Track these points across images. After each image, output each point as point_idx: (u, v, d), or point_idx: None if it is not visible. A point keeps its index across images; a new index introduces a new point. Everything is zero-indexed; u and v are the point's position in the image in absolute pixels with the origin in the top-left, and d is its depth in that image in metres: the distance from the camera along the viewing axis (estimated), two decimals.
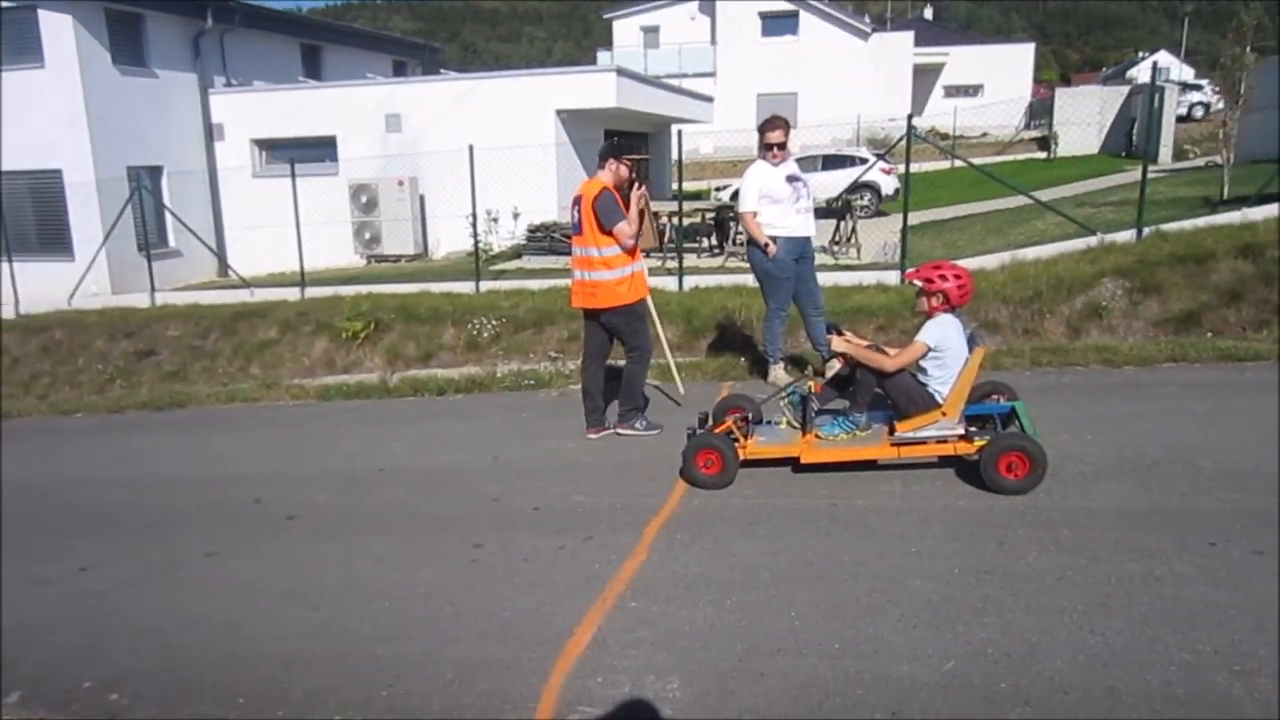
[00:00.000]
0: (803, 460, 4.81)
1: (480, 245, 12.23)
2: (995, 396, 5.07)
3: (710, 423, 5.22)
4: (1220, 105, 16.54)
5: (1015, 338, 7.82)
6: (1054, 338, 7.77)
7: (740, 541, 4.21)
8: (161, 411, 8.92)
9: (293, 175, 12.52)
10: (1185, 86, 31.91)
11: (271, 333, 10.86)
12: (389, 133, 16.91)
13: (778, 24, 36.91)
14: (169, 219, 16.23)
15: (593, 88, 16.24)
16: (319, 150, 17.24)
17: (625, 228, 5.72)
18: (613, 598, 3.78)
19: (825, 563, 3.91)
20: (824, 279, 9.53)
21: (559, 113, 16.21)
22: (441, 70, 26.48)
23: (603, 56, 38.03)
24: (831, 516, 4.39)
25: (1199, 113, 30.19)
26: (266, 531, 5.09)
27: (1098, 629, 3.21)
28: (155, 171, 16.62)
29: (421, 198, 16.64)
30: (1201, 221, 9.52)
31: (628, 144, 6.08)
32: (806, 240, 6.53)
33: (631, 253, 5.88)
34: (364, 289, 11.62)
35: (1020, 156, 28.75)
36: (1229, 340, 6.98)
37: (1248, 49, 12.86)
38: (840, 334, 4.95)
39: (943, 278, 4.60)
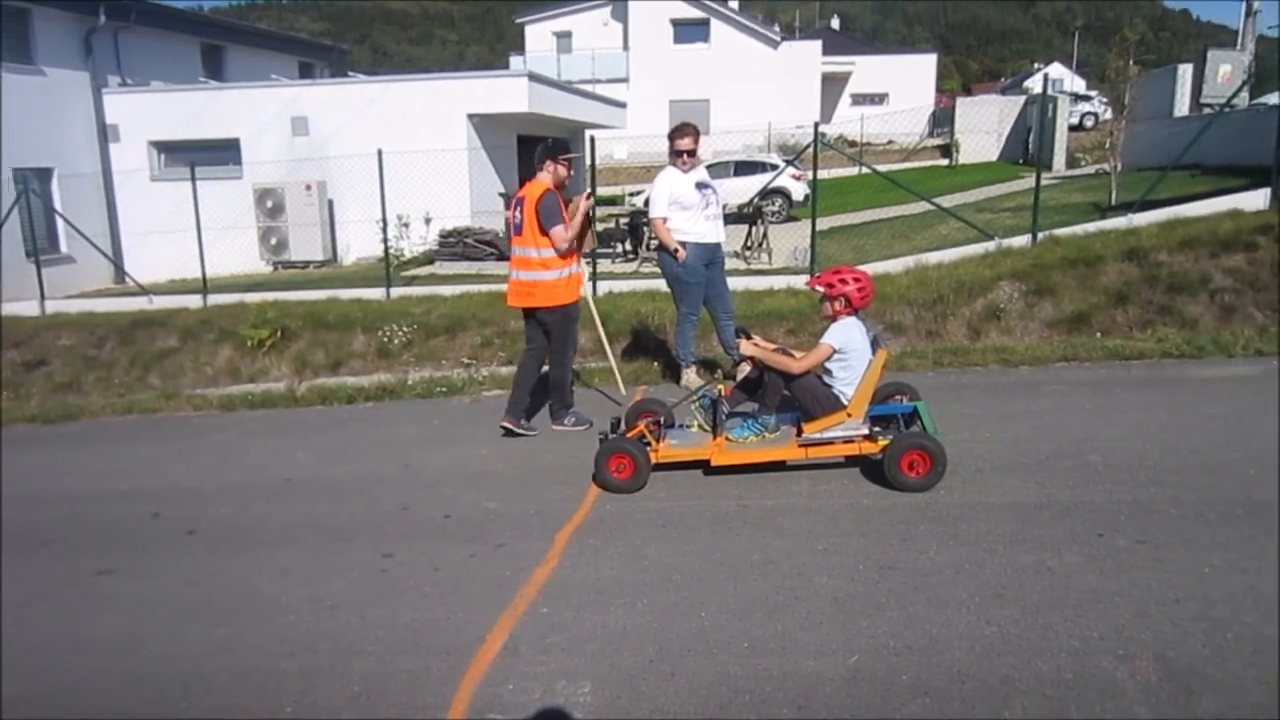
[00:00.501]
0: (714, 462, 4.88)
1: (391, 251, 12.03)
2: (898, 397, 5.22)
3: (623, 427, 5.24)
4: (1109, 115, 17.41)
5: (919, 339, 8.07)
6: (955, 339, 8.04)
7: (652, 544, 4.24)
8: (52, 424, 8.50)
9: (193, 179, 12.11)
10: (1077, 97, 33.46)
11: (172, 341, 10.47)
12: (295, 136, 16.49)
13: (689, 31, 37.38)
14: (60, 223, 15.49)
15: (505, 92, 16.15)
16: (221, 153, 16.70)
17: (561, 231, 5.82)
18: (524, 604, 3.76)
19: (735, 563, 3.97)
20: (736, 283, 9.68)
21: (471, 117, 16.08)
22: (350, 72, 25.98)
23: (515, 61, 37.87)
24: (742, 517, 4.46)
25: (1090, 122, 31.67)
26: (165, 547, 4.90)
27: (993, 619, 3.34)
28: (44, 174, 15.86)
29: (330, 202, 16.28)
30: (1091, 226, 9.98)
31: (562, 144, 6.15)
32: (716, 246, 6.63)
33: (569, 255, 5.95)
34: (270, 296, 11.29)
35: (924, 163, 29.67)
36: (1116, 340, 7.35)
37: (1131, 62, 13.59)
38: (749, 338, 5.04)
39: (843, 282, 4.73)
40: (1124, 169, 14.29)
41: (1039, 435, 5.25)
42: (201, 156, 15.33)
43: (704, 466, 4.99)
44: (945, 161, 29.54)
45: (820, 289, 4.82)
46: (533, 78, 16.52)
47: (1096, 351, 6.97)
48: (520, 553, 4.28)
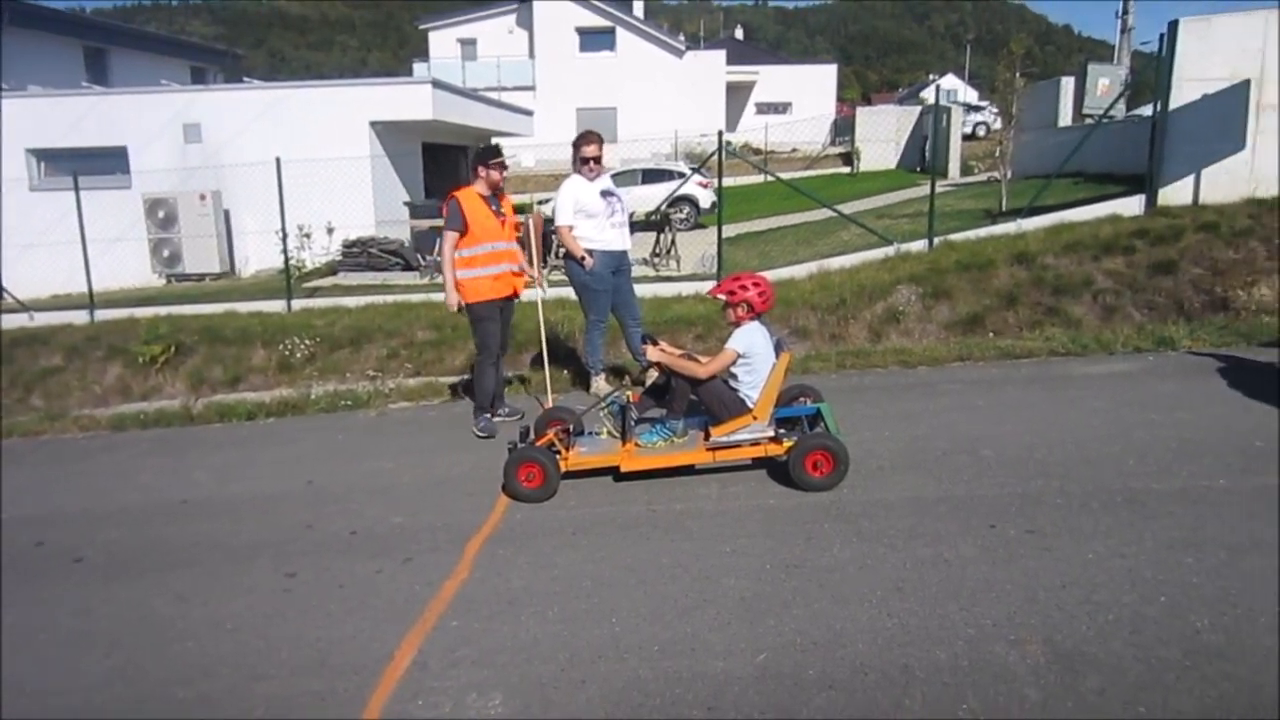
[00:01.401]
0: (623, 469, 4.90)
1: (292, 262, 11.71)
2: (803, 399, 5.34)
3: (532, 436, 5.22)
4: (999, 125, 18.15)
5: (823, 343, 8.26)
6: (857, 342, 8.26)
7: (562, 553, 4.23)
8: None
9: (76, 188, 11.56)
10: (969, 107, 34.81)
11: (55, 360, 9.95)
12: (188, 144, 15.91)
13: (595, 40, 37.56)
14: None
15: (408, 99, 15.92)
16: (108, 161, 15.98)
17: (446, 237, 6.05)
18: (433, 619, 3.71)
19: (645, 568, 4.00)
20: (645, 290, 9.74)
21: (374, 124, 15.79)
22: (245, 78, 25.22)
23: (419, 68, 37.38)
24: (651, 522, 4.49)
25: (982, 131, 32.96)
26: (51, 576, 4.66)
27: (894, 612, 3.45)
28: None
29: (226, 212, 15.74)
30: (983, 232, 10.40)
31: (492, 149, 6.30)
32: (623, 253, 6.67)
33: (485, 258, 6.11)
34: (163, 310, 10.85)
35: (827, 171, 30.44)
36: (1007, 340, 7.67)
37: (1017, 75, 14.23)
38: (655, 344, 5.09)
39: (744, 288, 4.82)
40: (1014, 176, 14.92)
41: (936, 433, 5.44)
42: (86, 165, 14.66)
43: (614, 473, 5.00)
44: (847, 169, 30.35)
45: (722, 297, 4.90)
46: (437, 85, 16.31)
47: (989, 351, 7.26)
48: (429, 566, 4.22)
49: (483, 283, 6.08)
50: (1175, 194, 9.92)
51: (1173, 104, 9.80)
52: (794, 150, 34.21)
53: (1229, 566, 3.62)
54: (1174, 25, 9.85)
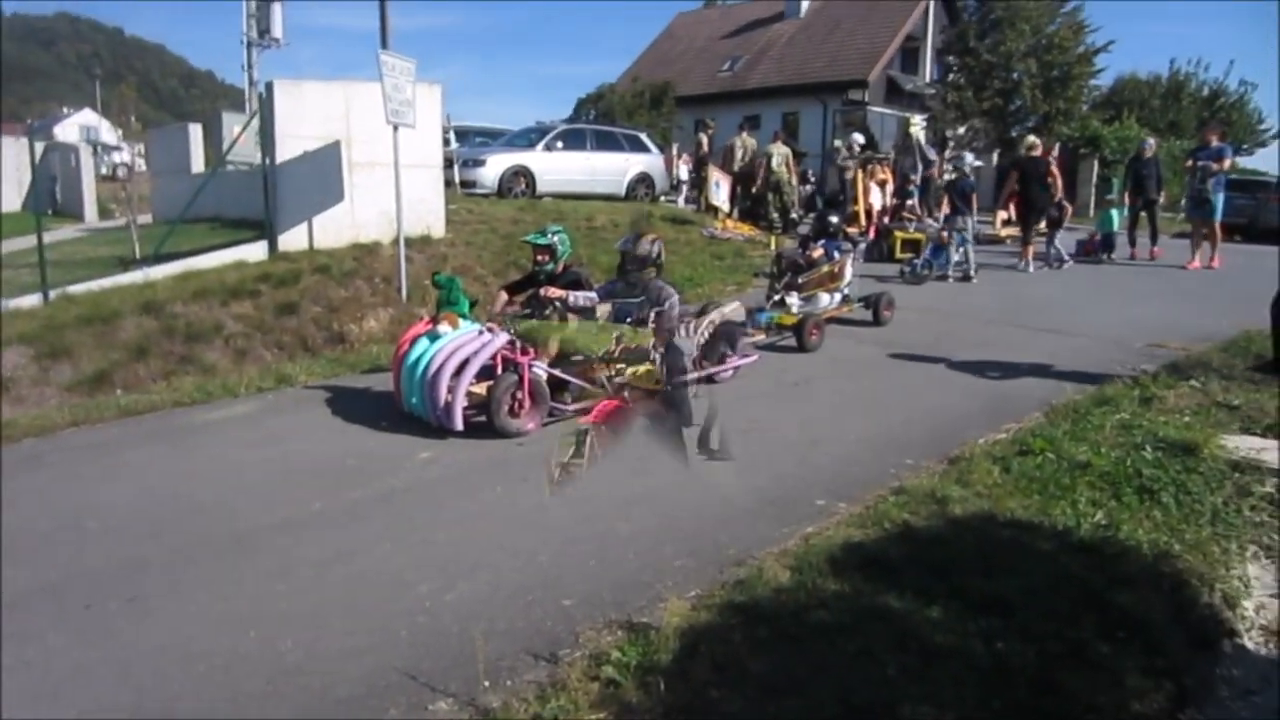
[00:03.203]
0: None
1: None
2: None
3: None
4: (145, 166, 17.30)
5: None
6: None
7: None
8: None
9: None
10: (108, 147, 32.53)
11: None
12: None
13: None
14: None
15: None
16: None
17: None
18: None
19: None
20: None
21: None
22: None
23: None
24: None
25: (123, 172, 31.05)
26: None
27: None
28: None
29: None
30: (109, 282, 9.79)
31: None
32: None
33: None
34: None
35: None
36: (131, 395, 7.31)
37: (132, 118, 13.80)
38: None
39: None
40: (157, 220, 14.41)
41: (31, 515, 4.81)
42: None
43: None
44: None
45: None
46: None
47: (110, 411, 6.78)
48: None
49: None
50: (294, 240, 10.78)
51: (280, 158, 10.60)
52: None
53: (314, 584, 3.99)
54: (270, 86, 10.67)
